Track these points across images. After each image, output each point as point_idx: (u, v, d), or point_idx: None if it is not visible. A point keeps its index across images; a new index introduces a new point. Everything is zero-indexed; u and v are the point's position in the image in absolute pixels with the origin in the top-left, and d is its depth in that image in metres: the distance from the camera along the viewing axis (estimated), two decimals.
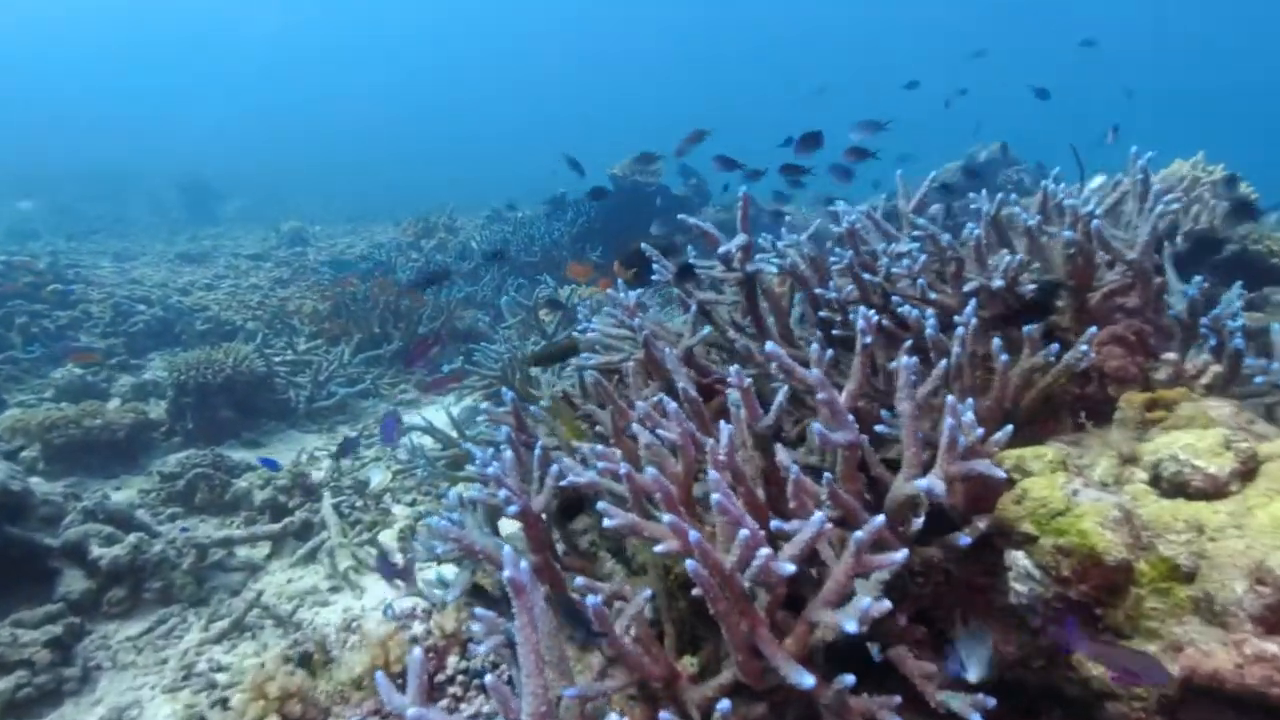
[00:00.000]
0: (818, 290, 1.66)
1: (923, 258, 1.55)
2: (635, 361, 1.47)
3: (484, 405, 1.51)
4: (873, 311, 1.26)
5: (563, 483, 1.20)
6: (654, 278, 1.69)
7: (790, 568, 0.86)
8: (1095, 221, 1.39)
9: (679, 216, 1.66)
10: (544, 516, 1.22)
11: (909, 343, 1.50)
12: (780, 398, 1.17)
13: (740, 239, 1.49)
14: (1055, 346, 1.31)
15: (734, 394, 1.24)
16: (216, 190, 14.06)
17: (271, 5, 44.79)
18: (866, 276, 1.61)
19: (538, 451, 1.29)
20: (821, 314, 1.63)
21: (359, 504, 2.90)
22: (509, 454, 1.21)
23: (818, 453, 1.42)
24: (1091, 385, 1.47)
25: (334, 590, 2.34)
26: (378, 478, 3.14)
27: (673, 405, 1.11)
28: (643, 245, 1.86)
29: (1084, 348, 1.32)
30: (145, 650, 2.01)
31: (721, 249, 1.49)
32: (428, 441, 3.55)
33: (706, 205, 7.87)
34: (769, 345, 1.27)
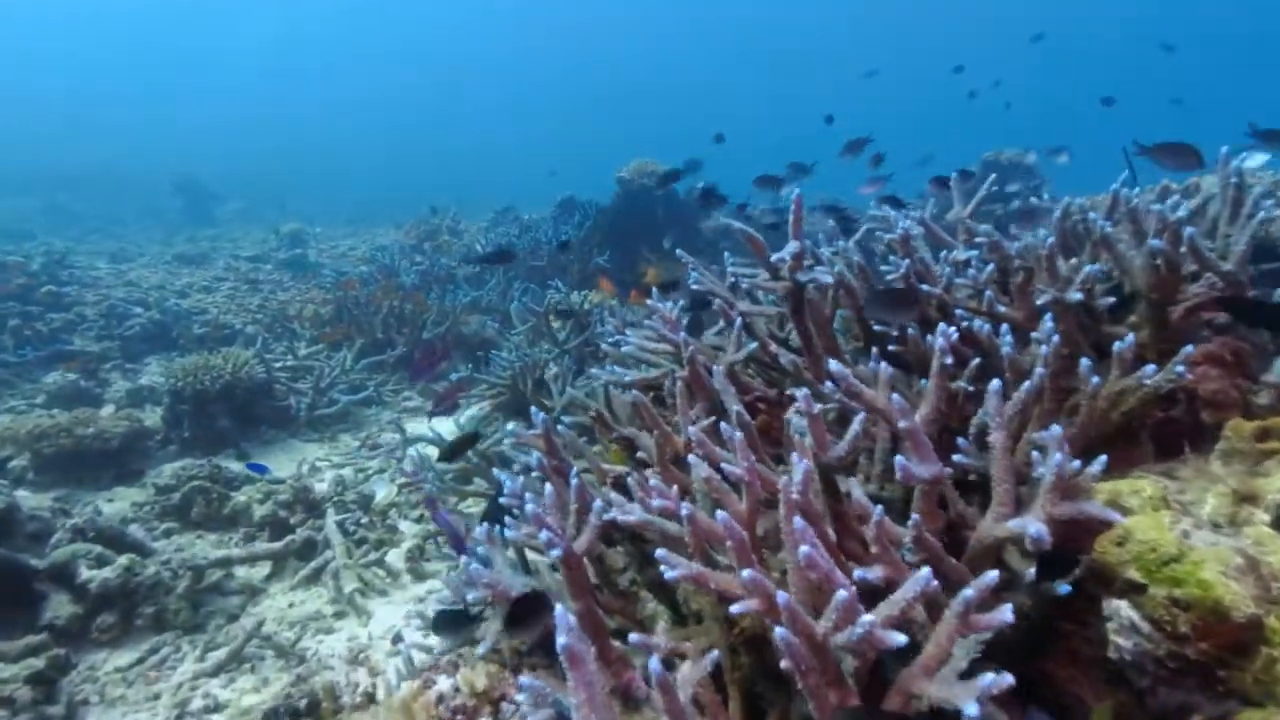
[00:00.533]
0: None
1: (989, 267, 1.42)
2: (679, 380, 1.34)
3: (510, 426, 1.38)
4: (953, 328, 1.13)
5: (607, 516, 1.06)
6: (693, 286, 1.56)
7: (901, 639, 0.73)
8: (1189, 229, 1.26)
9: (723, 220, 1.53)
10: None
11: (975, 360, 1.37)
12: (856, 427, 1.04)
13: (793, 246, 1.36)
14: (1151, 368, 1.18)
15: (798, 420, 1.11)
16: (214, 192, 13.92)
17: (272, 8, 44.68)
18: (925, 288, 1.49)
19: (574, 482, 1.16)
20: (876, 327, 1.50)
21: (364, 520, 2.76)
22: (549, 489, 1.08)
23: (875, 480, 1.29)
24: (1177, 408, 1.34)
25: (338, 616, 2.20)
26: (383, 492, 3.00)
27: (737, 435, 0.98)
28: (678, 251, 1.73)
29: (1179, 368, 1.19)
30: (136, 683, 1.87)
31: (775, 256, 1.36)
32: (434, 452, 3.42)
33: (719, 210, 7.76)
34: (834, 365, 1.14)
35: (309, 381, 4.24)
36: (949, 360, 1.11)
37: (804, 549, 0.79)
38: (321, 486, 3.18)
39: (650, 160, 6.84)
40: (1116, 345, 1.21)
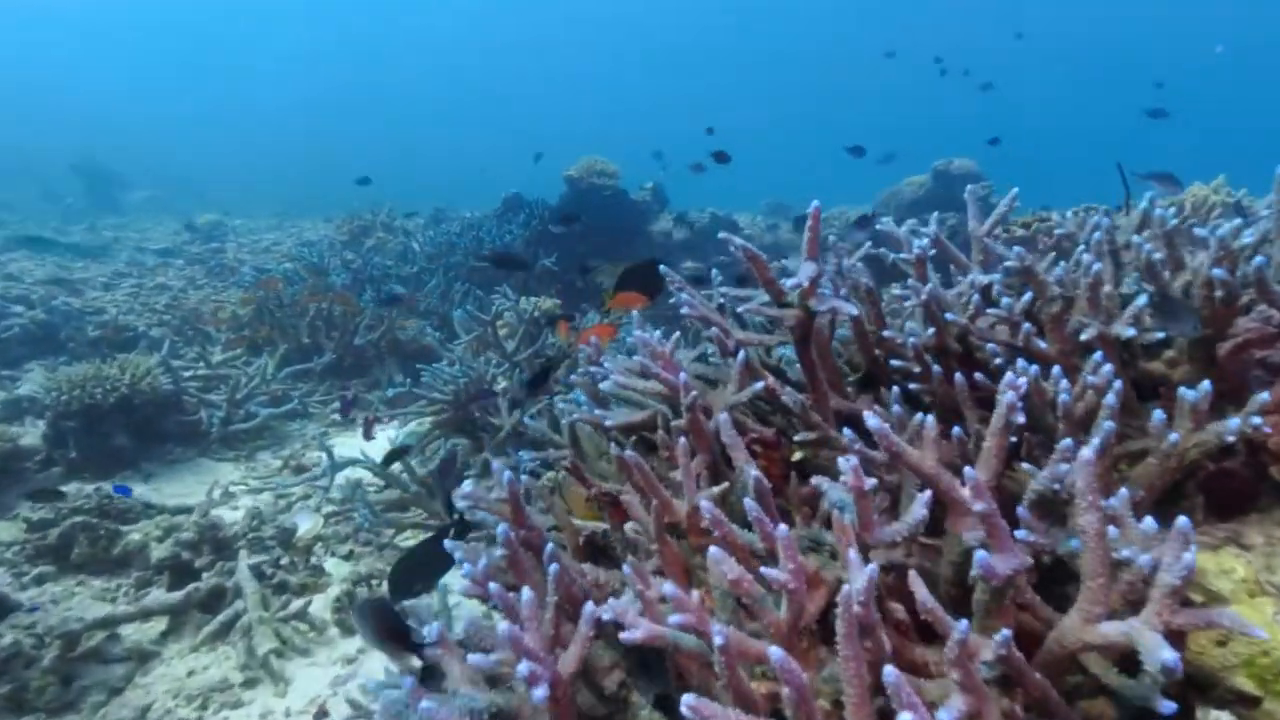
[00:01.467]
0: (887, 334, 1.33)
1: (1026, 295, 1.24)
2: (678, 433, 1.10)
3: (465, 486, 1.11)
4: (1021, 379, 0.93)
5: (605, 617, 0.82)
6: (684, 311, 1.32)
7: None
8: (1259, 259, 1.11)
9: (721, 235, 1.30)
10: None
11: (1002, 399, 1.19)
12: (921, 509, 0.82)
13: (809, 269, 1.14)
14: (1234, 422, 1.01)
15: (837, 494, 0.89)
16: (119, 176, 12.85)
17: None
18: (949, 317, 1.30)
19: (553, 569, 0.90)
20: (895, 363, 1.30)
21: (285, 561, 2.41)
22: (526, 596, 0.82)
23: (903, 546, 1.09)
24: (1232, 459, 1.19)
25: (249, 684, 1.86)
26: (306, 524, 2.65)
27: (783, 531, 0.75)
28: (660, 267, 1.49)
29: (1256, 419, 1.03)
30: None
31: (791, 282, 1.14)
32: (365, 475, 3.08)
33: (664, 211, 7.57)
34: (874, 421, 0.93)
35: (223, 392, 3.80)
36: (1019, 419, 0.91)
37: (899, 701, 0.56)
38: (235, 515, 2.80)
39: (599, 158, 6.58)
40: (1188, 394, 1.04)
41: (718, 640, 0.68)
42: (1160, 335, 1.21)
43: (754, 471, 0.95)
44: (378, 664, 1.95)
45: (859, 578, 0.71)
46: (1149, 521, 0.88)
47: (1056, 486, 0.91)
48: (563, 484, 1.65)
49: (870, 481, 0.84)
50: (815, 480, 0.97)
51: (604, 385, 1.27)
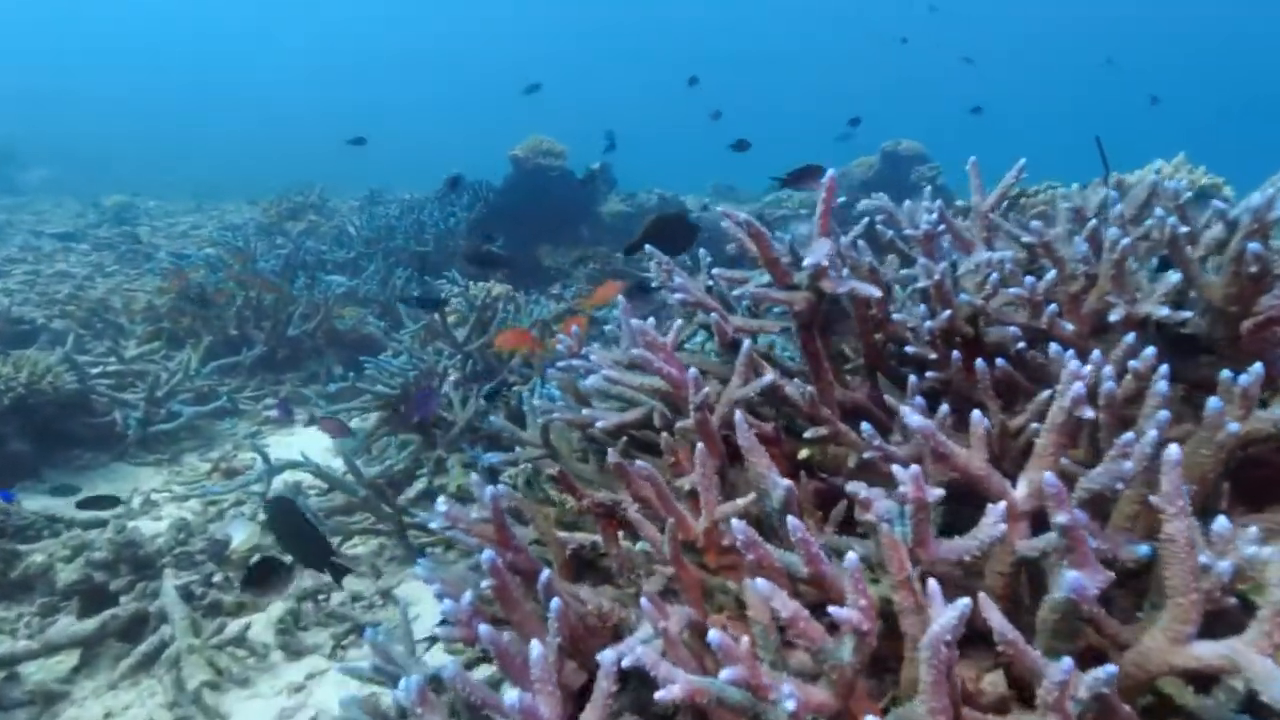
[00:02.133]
0: (897, 317, 1.22)
1: (1050, 274, 1.14)
2: (681, 430, 0.96)
3: (440, 504, 0.94)
4: (1085, 367, 0.83)
5: (626, 662, 0.67)
6: (677, 297, 1.18)
7: None
8: None
9: (719, 208, 1.16)
10: None
11: (1045, 393, 1.10)
12: (997, 526, 0.71)
13: (823, 247, 1.02)
14: None
15: (887, 505, 0.76)
16: (12, 154, 11.78)
17: None
18: (964, 298, 1.19)
19: (555, 606, 0.75)
20: (910, 349, 1.19)
21: (218, 578, 2.17)
22: (536, 655, 0.67)
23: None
24: (1262, 446, 1.14)
25: None
26: (242, 534, 2.41)
27: (852, 560, 0.62)
28: (648, 247, 1.34)
29: None
30: None
31: (808, 261, 1.01)
32: (305, 478, 2.84)
33: (611, 193, 7.39)
34: (917, 419, 0.81)
35: (141, 390, 3.46)
36: (1087, 413, 0.80)
37: None
38: (158, 528, 2.53)
39: (546, 138, 6.34)
40: (1237, 378, 0.97)
41: (788, 705, 0.54)
42: (1186, 315, 1.14)
43: (785, 481, 0.82)
44: (330, 692, 1.76)
45: (947, 616, 0.58)
46: (1222, 522, 0.79)
47: (1119, 485, 0.82)
48: (531, 481, 1.50)
49: (936, 493, 0.72)
50: (853, 487, 0.84)
51: (590, 381, 1.12)
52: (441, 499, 0.94)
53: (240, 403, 3.77)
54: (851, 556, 0.63)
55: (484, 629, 0.75)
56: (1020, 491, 0.84)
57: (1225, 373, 0.99)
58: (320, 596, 2.16)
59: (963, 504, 0.94)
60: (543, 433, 1.58)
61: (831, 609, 0.61)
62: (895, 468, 0.73)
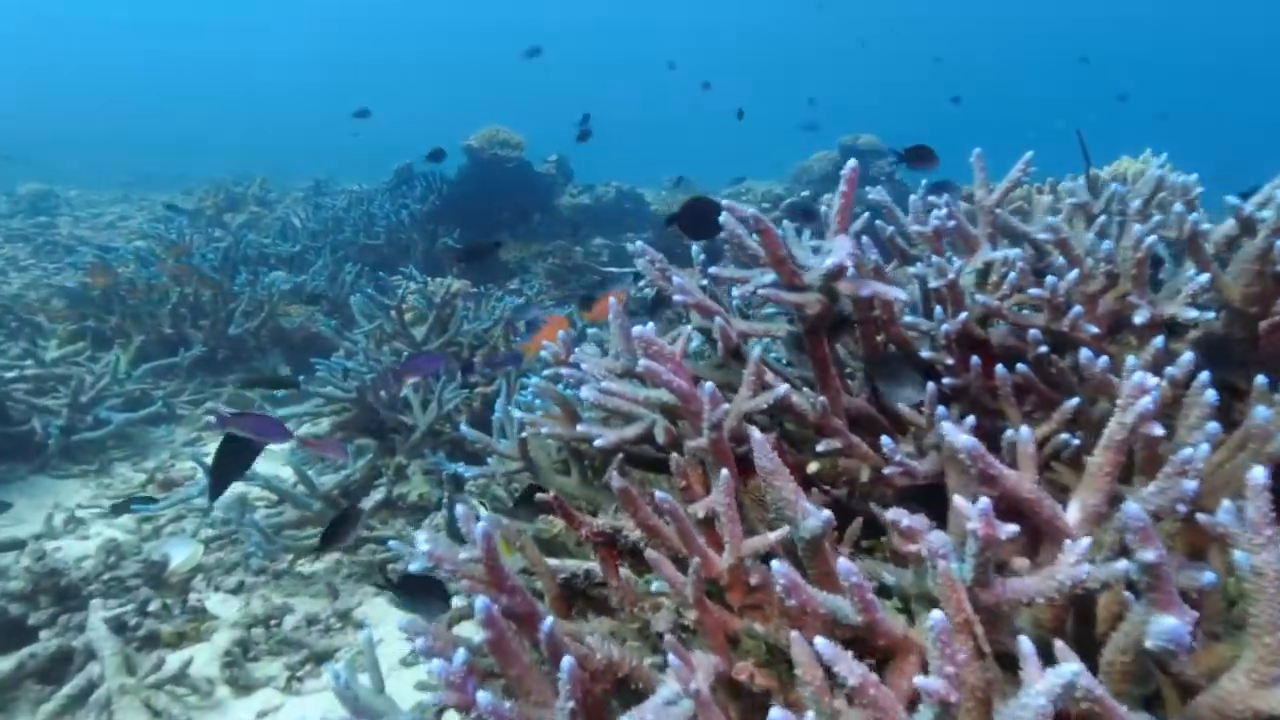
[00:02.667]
0: (909, 319, 1.15)
1: (1072, 273, 1.08)
2: (693, 450, 0.86)
3: (422, 543, 0.81)
4: (1153, 379, 0.76)
5: None
6: (677, 299, 1.07)
7: None
8: None
9: (723, 201, 1.06)
10: None
11: (1072, 402, 1.04)
12: (1078, 568, 0.63)
13: (844, 246, 0.93)
14: None
15: (941, 539, 0.68)
16: None
17: None
18: (980, 299, 1.12)
19: (566, 664, 0.64)
20: (925, 354, 1.12)
21: (154, 605, 1.98)
22: None
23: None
24: None
25: None
26: (181, 554, 2.21)
27: (938, 622, 0.53)
28: (638, 243, 1.23)
29: None
30: None
31: (830, 261, 0.91)
32: (253, 490, 2.64)
33: (569, 184, 7.23)
34: (966, 439, 0.73)
35: (64, 396, 3.18)
36: (1153, 429, 0.73)
37: None
38: (85, 549, 2.31)
39: (502, 128, 6.15)
40: (1275, 386, 0.92)
41: None
42: (1208, 316, 1.09)
43: (824, 513, 0.72)
44: None
45: (1049, 684, 0.50)
46: None
47: (1180, 508, 0.75)
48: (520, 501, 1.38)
49: (1009, 528, 0.63)
50: (894, 514, 0.76)
51: (585, 393, 1.01)
52: (422, 534, 0.81)
53: (177, 407, 3.51)
54: (937, 616, 0.54)
55: (483, 698, 0.64)
56: (1073, 516, 0.76)
57: (1260, 379, 0.94)
58: (272, 621, 1.99)
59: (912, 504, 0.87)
60: (520, 445, 1.46)
61: (919, 680, 0.51)
62: (960, 501, 0.64)
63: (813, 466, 1.11)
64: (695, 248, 1.30)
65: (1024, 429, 0.77)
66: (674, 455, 0.89)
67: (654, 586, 0.80)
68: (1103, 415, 0.96)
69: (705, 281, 1.27)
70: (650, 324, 1.02)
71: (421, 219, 5.33)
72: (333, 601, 2.11)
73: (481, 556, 0.78)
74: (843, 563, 0.62)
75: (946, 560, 0.67)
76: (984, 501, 0.62)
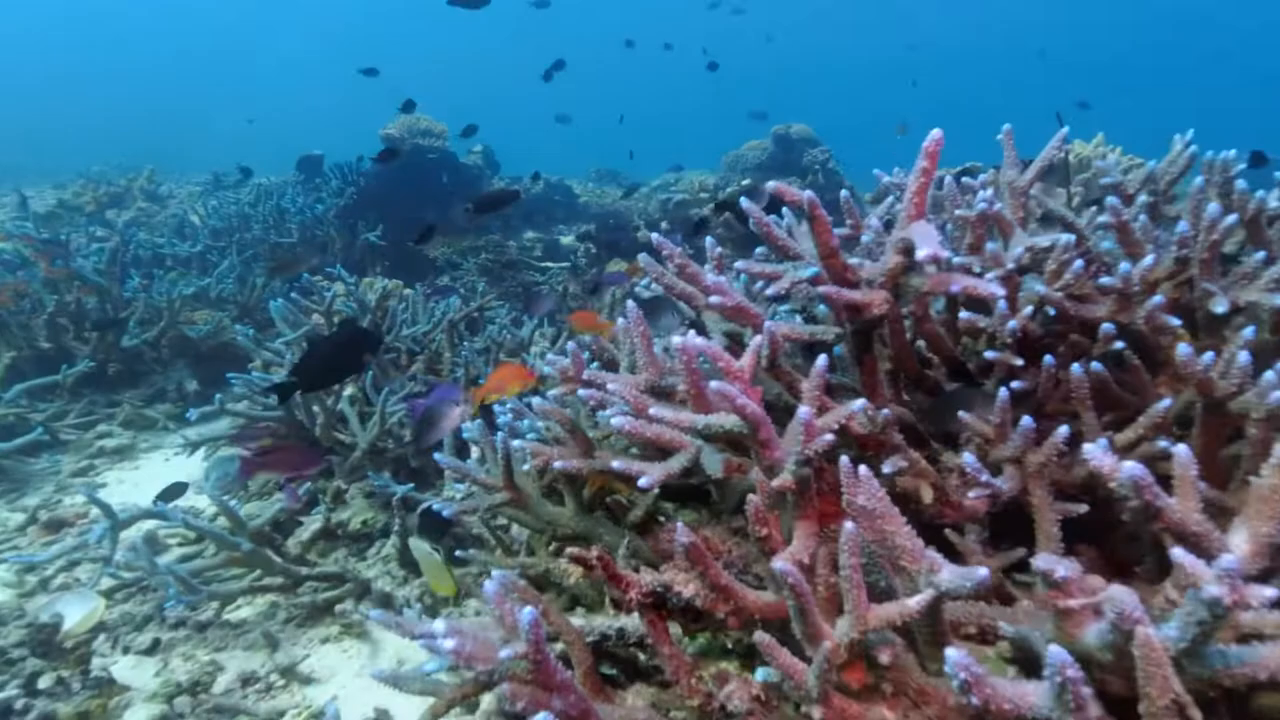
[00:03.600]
0: (966, 316, 1.02)
1: (1148, 260, 0.98)
2: (774, 490, 0.70)
3: (437, 628, 0.61)
4: None
5: None
6: (714, 300, 0.90)
7: None
8: None
9: (769, 186, 0.89)
10: None
11: (1164, 404, 0.93)
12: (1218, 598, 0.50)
13: (930, 234, 0.78)
14: None
15: (1127, 598, 0.54)
16: None
17: None
18: (1038, 289, 1.01)
19: None
20: (990, 354, 0.99)
21: (46, 680, 1.65)
22: None
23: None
24: None
25: None
26: (78, 612, 1.87)
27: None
28: (656, 236, 1.05)
29: None
30: None
31: (925, 253, 0.76)
32: (163, 526, 2.29)
33: (495, 175, 6.91)
34: (1137, 469, 0.60)
35: None
36: None
37: None
38: None
39: (424, 116, 5.77)
40: None
41: None
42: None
43: (980, 571, 0.57)
44: None
45: None
46: None
47: None
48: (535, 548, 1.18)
49: (1268, 593, 0.50)
50: (1046, 563, 0.61)
51: (615, 421, 0.82)
52: (441, 625, 0.61)
53: (62, 432, 3.06)
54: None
55: None
56: (1242, 547, 0.64)
57: None
58: (199, 686, 1.70)
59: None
60: (505, 473, 1.26)
61: None
62: (1183, 556, 0.51)
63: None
64: (710, 239, 1.13)
65: (1182, 449, 0.65)
66: (753, 500, 0.72)
67: (760, 676, 0.63)
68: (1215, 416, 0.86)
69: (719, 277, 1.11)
70: (692, 332, 0.85)
71: (340, 213, 4.92)
72: (272, 654, 1.83)
73: (529, 652, 0.59)
74: (1055, 652, 0.47)
75: (1146, 628, 0.53)
76: (1229, 559, 0.49)
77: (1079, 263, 0.98)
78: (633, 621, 0.89)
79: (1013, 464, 0.91)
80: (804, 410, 0.71)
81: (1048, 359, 0.95)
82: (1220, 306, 0.95)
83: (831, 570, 0.71)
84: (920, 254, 0.75)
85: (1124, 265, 0.95)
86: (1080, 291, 1.02)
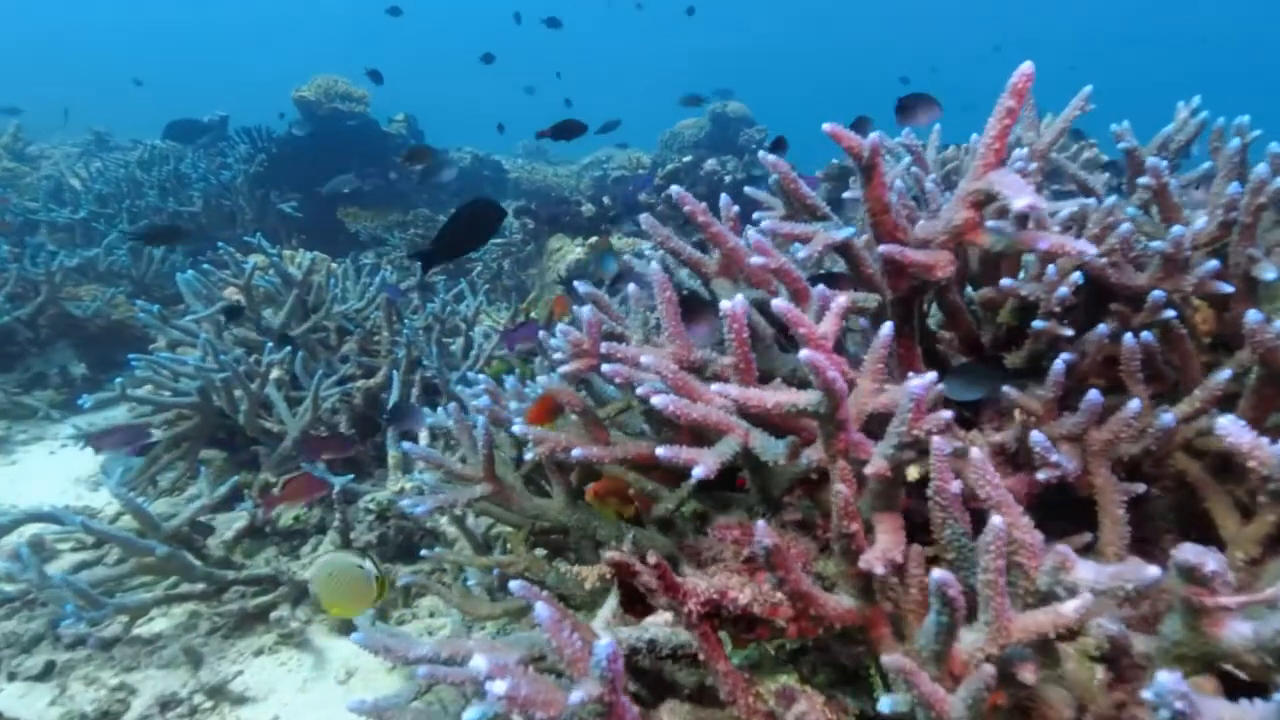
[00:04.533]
0: (1009, 284, 0.94)
1: (1200, 222, 0.93)
2: (875, 472, 0.59)
3: (484, 665, 0.47)
4: None
5: None
6: (756, 261, 0.79)
7: None
8: None
9: (763, 156, 0.78)
10: None
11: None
12: None
13: (1023, 187, 0.69)
14: None
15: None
16: None
17: None
18: (1089, 251, 0.95)
19: None
20: (1037, 324, 0.92)
21: None
22: None
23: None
24: None
25: None
26: None
27: None
28: (676, 190, 0.92)
29: None
30: None
31: (1021, 204, 0.67)
32: (52, 528, 1.99)
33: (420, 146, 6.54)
34: (1275, 452, 0.52)
35: None
36: None
37: None
38: None
39: (341, 79, 5.35)
40: None
41: None
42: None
43: (1153, 572, 0.48)
44: None
45: None
46: None
47: None
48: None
49: None
50: (1190, 553, 0.53)
51: (657, 401, 0.69)
52: (484, 660, 0.48)
53: None
54: None
55: None
56: None
57: None
58: (107, 716, 1.46)
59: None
60: (488, 462, 1.11)
61: None
62: None
63: (913, 472, 0.89)
64: (725, 198, 1.02)
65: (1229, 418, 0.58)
66: (839, 489, 0.61)
67: (886, 705, 0.52)
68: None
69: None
70: (740, 297, 0.73)
71: (249, 181, 4.49)
72: (195, 672, 1.61)
73: (604, 694, 0.46)
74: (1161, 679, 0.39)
75: None
76: None
77: (1126, 226, 0.92)
78: (663, 632, 0.78)
79: (1069, 442, 0.84)
80: (916, 384, 0.61)
81: (1100, 328, 0.89)
82: (1270, 273, 0.91)
83: (924, 570, 0.61)
84: (1017, 204, 0.66)
85: (1176, 228, 0.89)
86: (1117, 258, 0.97)
